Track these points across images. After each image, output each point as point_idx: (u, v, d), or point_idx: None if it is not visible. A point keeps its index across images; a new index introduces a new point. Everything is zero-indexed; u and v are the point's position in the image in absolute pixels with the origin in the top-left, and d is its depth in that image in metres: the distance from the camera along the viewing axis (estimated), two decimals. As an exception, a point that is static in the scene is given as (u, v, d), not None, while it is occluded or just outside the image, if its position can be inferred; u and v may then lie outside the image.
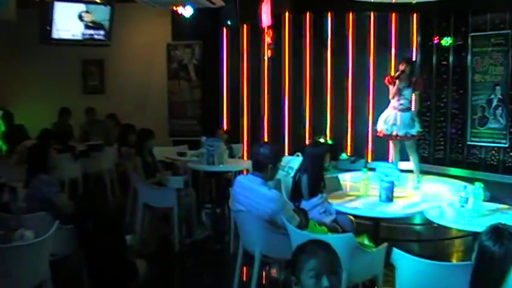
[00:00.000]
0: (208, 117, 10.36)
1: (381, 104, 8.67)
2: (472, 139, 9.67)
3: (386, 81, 8.12)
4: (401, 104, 7.94)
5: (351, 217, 4.96)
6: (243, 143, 10.15)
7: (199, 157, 7.31)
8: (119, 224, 4.93)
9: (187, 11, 8.83)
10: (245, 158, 9.46)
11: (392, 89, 7.97)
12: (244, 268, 4.91)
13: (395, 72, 8.18)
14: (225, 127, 10.11)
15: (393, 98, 8.00)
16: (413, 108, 8.05)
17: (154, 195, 6.20)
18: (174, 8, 8.95)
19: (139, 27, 10.75)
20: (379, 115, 8.37)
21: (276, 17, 9.65)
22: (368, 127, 10.30)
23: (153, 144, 6.65)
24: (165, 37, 10.56)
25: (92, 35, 9.58)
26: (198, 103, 10.58)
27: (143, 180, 6.26)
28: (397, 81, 7.90)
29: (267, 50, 9.83)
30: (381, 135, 8.22)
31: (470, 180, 6.69)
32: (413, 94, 8.08)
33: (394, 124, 7.97)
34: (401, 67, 7.94)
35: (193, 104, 10.60)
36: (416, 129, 8.02)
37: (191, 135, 9.79)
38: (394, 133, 8.00)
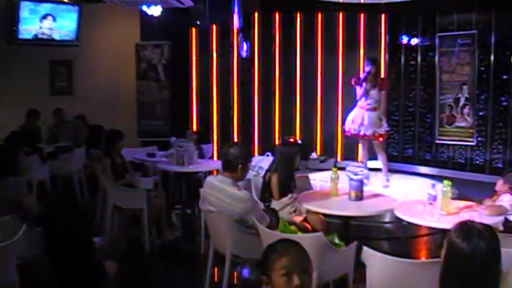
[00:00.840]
0: (178, 117, 10.31)
1: (350, 104, 8.71)
2: (440, 138, 9.80)
3: (352, 82, 8.18)
4: (368, 104, 8.00)
5: (321, 216, 4.97)
6: (212, 143, 10.11)
7: (168, 158, 7.27)
8: (88, 226, 4.86)
9: (156, 11, 8.77)
10: (215, 158, 9.43)
11: (359, 90, 8.04)
12: (215, 268, 4.89)
13: (363, 72, 8.23)
14: (194, 127, 10.08)
15: (360, 98, 8.07)
16: (380, 108, 8.10)
17: (124, 196, 6.13)
18: (143, 8, 8.88)
19: (107, 27, 10.65)
20: (348, 114, 8.42)
21: (246, 17, 9.65)
22: (337, 127, 10.35)
23: (123, 145, 6.58)
24: (134, 37, 10.47)
25: (59, 35, 9.44)
26: (167, 103, 10.51)
27: (112, 182, 6.19)
28: (363, 82, 7.97)
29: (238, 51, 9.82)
30: (349, 134, 8.27)
31: (438, 178, 6.77)
32: (380, 93, 8.14)
33: (362, 124, 8.03)
34: (367, 68, 8.00)
35: (162, 104, 10.53)
36: (383, 129, 8.09)
37: (160, 136, 9.72)
38: (361, 133, 8.06)
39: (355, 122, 8.09)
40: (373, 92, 7.99)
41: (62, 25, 9.44)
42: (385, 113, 8.44)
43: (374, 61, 8.35)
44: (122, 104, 10.63)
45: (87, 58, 10.68)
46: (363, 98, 8.03)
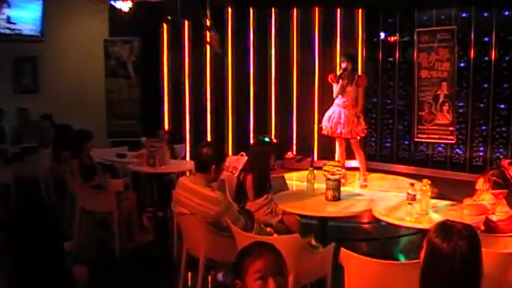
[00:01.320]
0: (149, 116, 10.24)
1: (327, 101, 8.76)
2: (419, 136, 9.89)
3: (329, 79, 8.22)
4: (345, 102, 8.04)
5: (298, 217, 4.98)
6: (185, 143, 10.09)
7: (139, 158, 7.23)
8: (55, 230, 4.81)
9: (124, 6, 8.70)
10: (188, 158, 9.40)
11: (336, 87, 8.07)
12: (189, 273, 4.87)
13: (340, 69, 8.28)
14: (166, 127, 10.03)
15: (337, 95, 8.10)
16: (358, 106, 8.15)
17: (93, 199, 6.09)
18: (112, 2, 8.81)
19: (74, 23, 10.51)
20: (325, 112, 8.46)
21: (219, 12, 9.63)
22: (314, 125, 10.39)
23: (92, 146, 6.53)
24: (102, 33, 10.37)
25: (21, 30, 9.31)
26: (138, 102, 10.44)
27: (81, 184, 6.14)
28: (340, 79, 8.01)
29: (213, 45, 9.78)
30: (326, 133, 8.31)
31: (417, 177, 6.84)
32: (357, 91, 8.17)
33: (339, 122, 8.07)
34: (343, 65, 8.05)
35: (132, 103, 10.46)
36: (361, 127, 8.13)
37: (131, 136, 9.64)
38: (338, 131, 8.10)
39: (332, 121, 8.13)
40: (350, 89, 8.03)
41: (24, 18, 9.30)
42: (363, 111, 8.50)
43: (350, 57, 8.39)
44: (90, 103, 10.52)
45: (53, 55, 10.54)
46: (340, 96, 8.07)
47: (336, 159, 9.17)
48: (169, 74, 10.33)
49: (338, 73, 8.13)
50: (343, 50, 10.07)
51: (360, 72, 8.85)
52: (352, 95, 8.06)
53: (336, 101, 8.16)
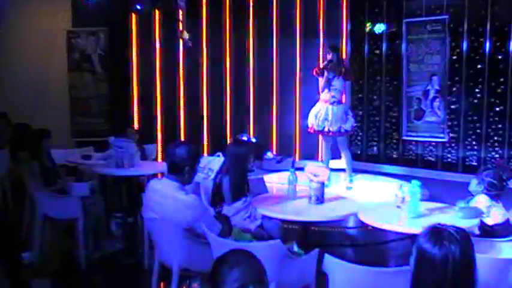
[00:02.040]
0: (117, 114, 10.19)
1: (309, 97, 8.81)
2: (408, 134, 9.96)
3: (314, 72, 8.24)
4: (332, 97, 8.07)
5: (278, 222, 4.99)
6: (156, 143, 10.05)
7: (107, 160, 7.19)
8: (13, 239, 4.78)
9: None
10: (159, 159, 9.37)
11: (321, 81, 8.09)
12: (161, 284, 4.86)
13: (323, 62, 8.31)
14: (136, 125, 9.99)
15: (323, 90, 8.12)
16: (345, 101, 8.19)
17: (56, 204, 6.04)
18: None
19: (34, 12, 10.43)
20: (307, 109, 8.50)
21: (192, 1, 9.62)
22: (296, 123, 10.43)
23: (49, 144, 6.48)
24: (65, 23, 10.27)
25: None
26: (105, 98, 10.38)
27: (42, 188, 6.09)
28: (325, 72, 8.03)
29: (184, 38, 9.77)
30: (312, 131, 8.32)
31: (406, 178, 6.88)
32: (345, 84, 8.19)
33: (326, 119, 8.08)
34: (328, 56, 8.08)
35: (98, 100, 10.40)
36: (350, 124, 8.16)
37: (97, 135, 9.59)
38: (326, 128, 8.12)
39: (319, 118, 8.14)
40: (337, 83, 8.06)
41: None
42: (351, 107, 8.54)
43: (335, 48, 8.43)
44: (51, 100, 10.43)
45: (10, 47, 10.43)
46: (326, 90, 8.09)
47: (320, 159, 9.25)
48: (138, 68, 10.29)
49: (322, 65, 8.16)
50: (327, 43, 10.11)
51: (346, 64, 8.87)
52: (339, 89, 8.08)
53: (322, 96, 8.17)
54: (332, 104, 8.08)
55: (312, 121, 8.27)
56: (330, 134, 8.19)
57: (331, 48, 8.27)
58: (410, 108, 9.87)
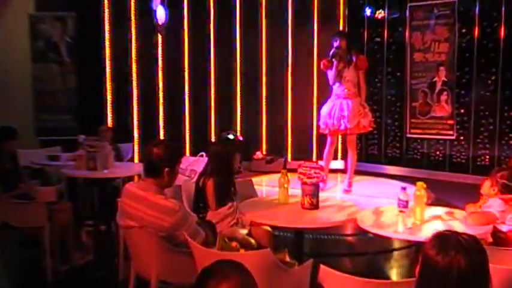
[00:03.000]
0: (88, 110, 10.17)
1: (303, 91, 8.80)
2: (412, 131, 9.99)
3: (322, 66, 8.10)
4: (345, 90, 7.98)
5: (268, 229, 5.00)
6: (133, 141, 10.06)
7: (76, 161, 7.19)
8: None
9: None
10: (136, 160, 9.38)
11: (330, 74, 7.99)
12: (138, 299, 4.87)
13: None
14: (109, 123, 9.98)
15: (334, 83, 8.03)
16: (361, 93, 8.03)
17: (18, 212, 6.01)
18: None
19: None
20: (300, 104, 8.50)
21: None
22: (287, 119, 10.44)
23: (15, 146, 6.46)
24: (27, 6, 10.24)
25: None
26: (74, 93, 10.36)
27: (1, 194, 6.07)
28: (334, 62, 7.92)
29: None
30: (327, 132, 8.21)
31: (410, 179, 6.91)
32: (358, 74, 8.02)
33: (342, 115, 7.98)
34: (336, 43, 7.94)
35: (67, 94, 10.38)
36: (368, 118, 8.08)
37: (65, 134, 9.58)
38: (342, 127, 7.99)
39: (333, 116, 8.05)
40: (349, 74, 7.94)
41: None
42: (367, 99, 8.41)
43: (342, 34, 8.37)
44: (12, 94, 10.36)
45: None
46: (337, 83, 8.01)
47: (315, 159, 9.25)
48: (112, 58, 10.27)
49: (330, 54, 7.97)
50: (321, 30, 10.12)
51: (357, 51, 8.61)
52: (352, 80, 7.96)
53: (335, 91, 8.09)
54: (346, 98, 7.99)
55: (325, 121, 8.17)
56: (348, 132, 8.12)
57: (338, 35, 8.16)
58: (415, 103, 9.90)
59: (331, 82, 8.06)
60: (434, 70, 9.65)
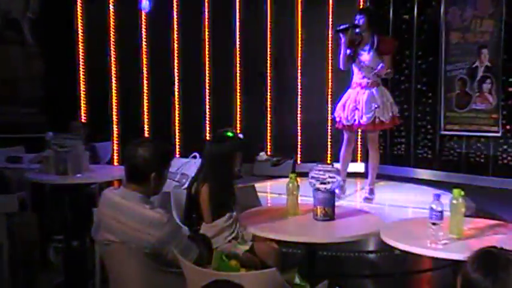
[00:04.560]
0: (57, 102, 10.18)
1: (315, 79, 8.81)
2: (448, 127, 9.99)
3: (342, 57, 8.05)
4: (364, 78, 7.98)
5: (275, 245, 5.03)
6: (112, 140, 10.07)
7: (43, 163, 7.21)
8: None
9: None
10: (115, 162, 9.40)
11: (346, 59, 7.97)
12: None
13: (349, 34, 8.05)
14: (83, 117, 9.99)
15: (344, 65, 7.99)
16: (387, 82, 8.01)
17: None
18: None
19: None
20: (312, 94, 8.50)
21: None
22: (296, 114, 10.45)
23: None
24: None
25: None
26: (39, 80, 10.36)
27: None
28: (356, 44, 7.92)
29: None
30: (340, 126, 8.21)
31: (445, 186, 6.94)
32: (384, 60, 7.98)
33: (356, 108, 7.95)
34: (361, 21, 7.83)
35: (31, 82, 10.39)
36: (389, 113, 8.05)
37: (30, 131, 9.59)
38: (356, 121, 7.98)
39: (347, 108, 8.06)
40: (372, 60, 7.95)
41: None
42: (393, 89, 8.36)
43: (365, 10, 8.35)
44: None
45: None
46: (356, 70, 8.02)
47: (329, 161, 9.27)
48: (86, 40, 10.27)
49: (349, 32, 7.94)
50: (336, 10, 10.13)
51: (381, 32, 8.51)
52: (373, 66, 7.94)
53: (354, 79, 8.10)
54: (367, 88, 8.00)
55: (340, 113, 8.18)
56: (362, 127, 8.12)
57: (362, 12, 8.12)
58: (451, 93, 9.91)
59: (341, 63, 8.08)
60: (475, 53, 9.65)
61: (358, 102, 7.97)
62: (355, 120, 8.01)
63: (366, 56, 7.94)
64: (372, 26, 8.06)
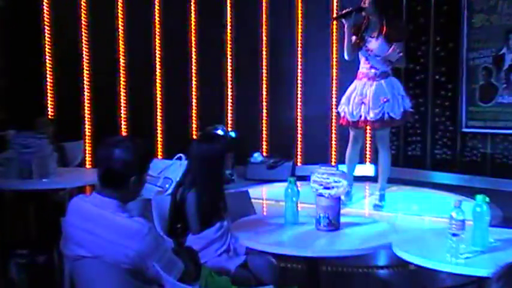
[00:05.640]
0: (20, 96, 10.17)
1: (317, 69, 8.81)
2: (471, 124, 10.00)
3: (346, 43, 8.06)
4: (371, 68, 8.00)
5: (271, 259, 5.04)
6: (84, 139, 10.07)
7: (4, 166, 7.21)
8: None
9: None
10: (88, 165, 9.40)
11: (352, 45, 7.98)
12: None
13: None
14: (50, 113, 9.98)
15: (349, 55, 8.00)
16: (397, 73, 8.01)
17: None
18: None
19: None
20: (314, 87, 8.51)
21: None
22: (296, 109, 10.48)
23: None
24: None
25: None
26: (0, 72, 10.36)
27: None
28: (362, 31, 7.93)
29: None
30: (345, 122, 8.23)
31: (467, 191, 6.95)
32: (393, 47, 7.99)
33: (362, 102, 7.97)
34: (364, 4, 7.91)
35: (-9, 75, 10.42)
36: (400, 108, 8.05)
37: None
38: (362, 117, 8.00)
39: (353, 101, 8.07)
40: (377, 47, 7.95)
41: None
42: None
43: None
44: None
45: None
46: (363, 59, 8.03)
47: (333, 163, 9.29)
48: (54, 23, 10.26)
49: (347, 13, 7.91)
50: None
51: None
52: (381, 55, 7.94)
53: (360, 68, 8.11)
54: (372, 79, 8.01)
55: (344, 107, 8.18)
56: (369, 124, 8.13)
57: None
58: (475, 85, 9.91)
59: (345, 53, 8.09)
60: (502, 39, 9.65)
61: (365, 95, 7.98)
62: (361, 116, 8.01)
63: (374, 44, 7.93)
64: (380, 7, 8.06)
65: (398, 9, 10.29)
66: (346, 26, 7.88)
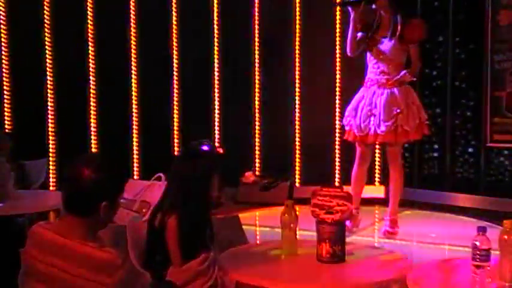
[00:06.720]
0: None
1: (318, 75, 8.84)
2: (496, 137, 9.99)
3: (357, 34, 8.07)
4: (382, 73, 8.00)
5: (267, 297, 5.03)
6: (48, 157, 10.06)
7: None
8: None
9: None
10: (52, 187, 9.39)
11: (353, 41, 7.99)
12: None
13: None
14: (8, 126, 9.98)
15: (353, 52, 8.01)
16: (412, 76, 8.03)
17: None
18: None
19: None
20: (314, 96, 8.53)
21: None
22: (294, 120, 10.49)
23: None
24: None
25: None
26: None
27: None
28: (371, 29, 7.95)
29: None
30: (351, 138, 8.24)
31: (493, 216, 6.93)
32: (408, 50, 7.99)
33: (372, 113, 7.98)
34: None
35: None
36: (418, 120, 8.05)
37: None
38: (372, 131, 8.00)
39: (361, 113, 8.06)
40: (389, 49, 7.95)
41: None
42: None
43: None
44: None
45: None
46: (372, 62, 8.04)
47: (337, 182, 9.31)
48: (10, 21, 10.26)
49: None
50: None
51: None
52: (395, 59, 7.94)
53: (368, 74, 8.11)
54: (383, 86, 8.00)
55: (350, 119, 8.18)
56: (380, 139, 8.12)
57: None
58: (500, 92, 9.92)
59: (350, 50, 8.07)
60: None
61: (375, 105, 7.98)
62: (370, 129, 8.01)
63: (385, 45, 7.94)
64: (395, 3, 8.07)
65: (412, 5, 10.30)
66: (352, 16, 7.88)
